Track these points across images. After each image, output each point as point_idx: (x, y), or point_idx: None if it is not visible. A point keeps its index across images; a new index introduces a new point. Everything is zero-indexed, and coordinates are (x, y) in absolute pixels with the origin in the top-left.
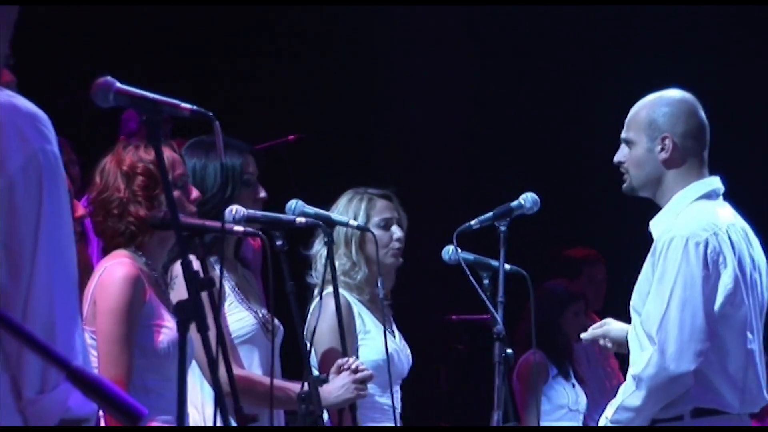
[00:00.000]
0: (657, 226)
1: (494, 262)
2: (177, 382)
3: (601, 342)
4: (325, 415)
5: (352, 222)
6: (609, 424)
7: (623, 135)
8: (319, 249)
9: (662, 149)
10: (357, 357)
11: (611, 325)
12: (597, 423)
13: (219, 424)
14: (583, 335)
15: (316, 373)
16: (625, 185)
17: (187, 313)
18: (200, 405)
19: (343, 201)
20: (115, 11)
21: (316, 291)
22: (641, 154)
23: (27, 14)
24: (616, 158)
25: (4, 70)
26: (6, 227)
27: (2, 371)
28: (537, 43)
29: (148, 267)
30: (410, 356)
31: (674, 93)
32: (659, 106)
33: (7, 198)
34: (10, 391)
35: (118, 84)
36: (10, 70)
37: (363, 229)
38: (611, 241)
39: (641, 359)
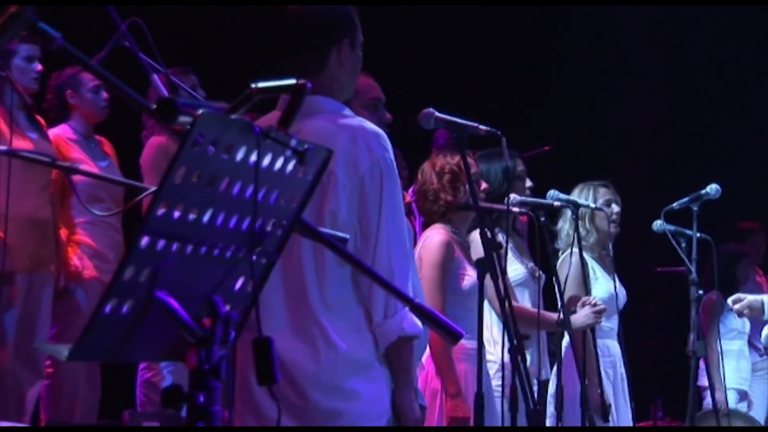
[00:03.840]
0: None
1: (688, 231)
2: (477, 313)
3: (745, 312)
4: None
5: (591, 203)
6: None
7: None
8: (562, 224)
9: None
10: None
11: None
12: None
13: (506, 344)
14: (734, 308)
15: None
16: None
17: (484, 266)
18: (490, 327)
19: (576, 190)
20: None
21: (560, 252)
22: None
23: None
24: None
25: None
26: (360, 208)
27: (359, 304)
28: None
29: (455, 234)
30: (626, 295)
31: None
32: None
33: (359, 188)
34: (364, 318)
35: (437, 113)
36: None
37: (595, 209)
38: None
39: None
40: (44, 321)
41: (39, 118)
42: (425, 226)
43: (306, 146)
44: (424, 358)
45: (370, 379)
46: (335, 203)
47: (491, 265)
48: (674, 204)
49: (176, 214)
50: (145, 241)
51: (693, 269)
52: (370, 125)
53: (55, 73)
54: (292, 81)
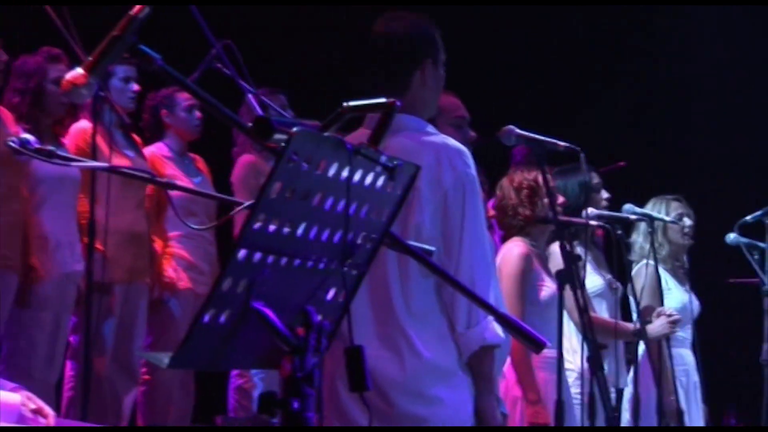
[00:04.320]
0: None
1: (761, 244)
2: (555, 323)
3: None
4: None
5: (665, 217)
6: None
7: None
8: (635, 237)
9: None
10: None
11: None
12: None
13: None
14: None
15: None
16: None
17: (564, 278)
18: (569, 337)
19: (650, 204)
20: None
21: (634, 263)
22: None
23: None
24: None
25: None
26: (443, 222)
27: (443, 314)
28: None
29: (533, 247)
30: (699, 305)
31: None
32: None
33: (443, 203)
34: (447, 327)
35: (517, 130)
36: None
37: (669, 222)
38: None
39: None
40: (140, 330)
41: (135, 136)
42: (504, 239)
43: (395, 162)
44: (504, 367)
45: (454, 387)
46: (420, 217)
47: (571, 276)
48: (748, 217)
49: (272, 227)
50: (242, 253)
51: (765, 280)
52: (453, 142)
53: (151, 94)
54: (383, 100)
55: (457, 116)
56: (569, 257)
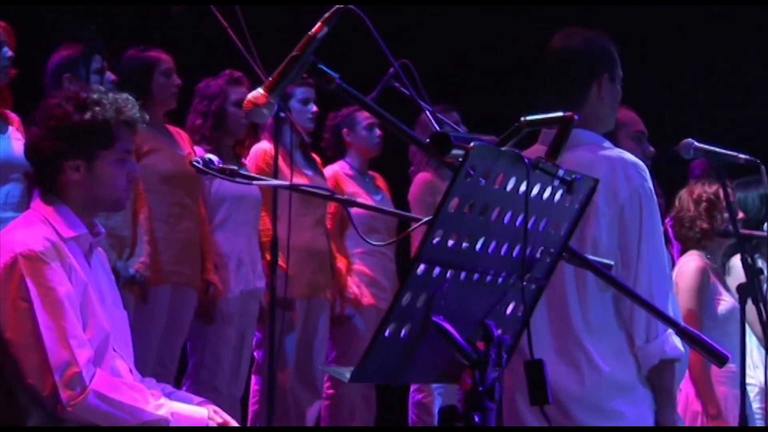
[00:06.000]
0: None
1: None
2: (737, 337)
3: None
4: None
5: None
6: None
7: None
8: None
9: None
10: None
11: None
12: None
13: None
14: None
15: None
16: None
17: (746, 292)
18: (750, 351)
19: None
20: None
21: None
22: None
23: None
24: None
25: None
26: (620, 235)
27: (621, 328)
28: None
29: (709, 260)
30: None
31: None
32: None
33: (620, 216)
34: (626, 341)
35: (696, 143)
36: None
37: None
38: None
39: None
40: (321, 344)
41: (315, 156)
42: (681, 252)
43: (574, 176)
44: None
45: (634, 401)
46: (596, 230)
47: (753, 290)
48: None
49: (450, 242)
50: (422, 268)
51: None
52: (628, 156)
53: (331, 114)
54: (560, 114)
55: (637, 130)
56: (751, 270)
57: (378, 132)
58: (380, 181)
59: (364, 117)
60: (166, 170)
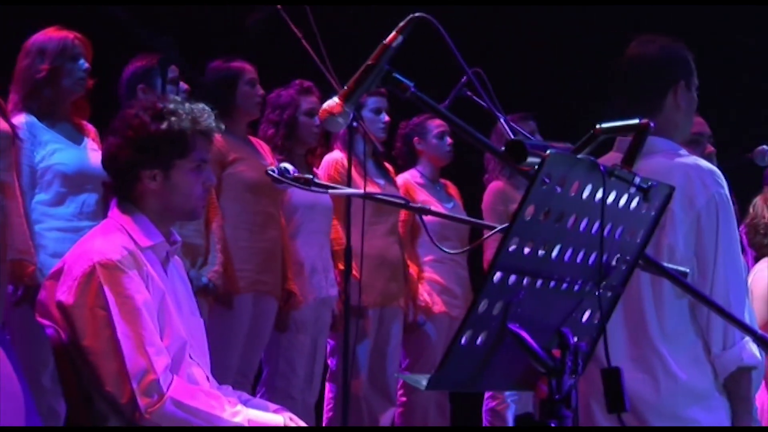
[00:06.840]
0: None
1: None
2: None
3: None
4: None
5: None
6: None
7: None
8: None
9: None
10: None
11: None
12: None
13: None
14: None
15: None
16: None
17: None
18: None
19: None
20: None
21: None
22: None
23: None
24: None
25: None
26: (696, 242)
27: (698, 336)
28: None
29: None
30: None
31: None
32: None
33: (696, 224)
34: (702, 349)
35: None
36: None
37: None
38: None
39: None
40: (394, 352)
41: (387, 165)
42: (756, 260)
43: (650, 183)
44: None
45: (710, 409)
46: (673, 238)
47: None
48: None
49: (526, 249)
50: (498, 275)
51: None
52: (704, 163)
53: (402, 122)
54: (636, 121)
55: (695, 132)
56: None
57: (449, 140)
58: (452, 189)
59: (434, 125)
60: (251, 179)
